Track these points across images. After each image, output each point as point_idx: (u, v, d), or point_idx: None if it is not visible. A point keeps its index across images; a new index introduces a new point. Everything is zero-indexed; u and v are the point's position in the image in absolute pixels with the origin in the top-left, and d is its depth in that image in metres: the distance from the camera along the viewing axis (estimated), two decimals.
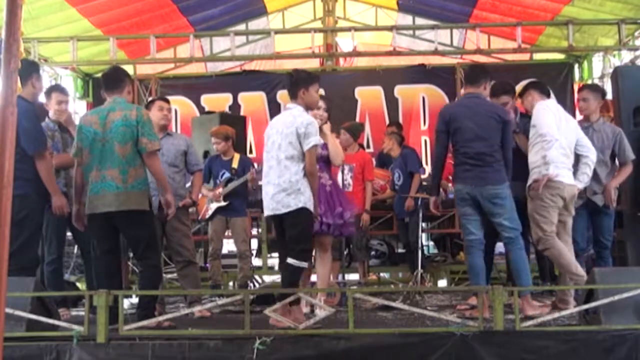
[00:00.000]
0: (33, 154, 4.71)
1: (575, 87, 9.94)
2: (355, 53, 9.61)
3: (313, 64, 10.79)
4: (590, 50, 9.43)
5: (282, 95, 10.21)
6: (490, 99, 5.19)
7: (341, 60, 10.71)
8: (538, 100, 5.14)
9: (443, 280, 8.38)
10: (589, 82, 9.40)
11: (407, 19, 10.38)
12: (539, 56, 10.40)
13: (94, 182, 4.46)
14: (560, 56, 10.18)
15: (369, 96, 10.16)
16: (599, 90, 5.69)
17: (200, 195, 6.20)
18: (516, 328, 4.00)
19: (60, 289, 5.13)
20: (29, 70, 4.94)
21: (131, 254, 5.82)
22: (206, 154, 7.55)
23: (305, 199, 4.44)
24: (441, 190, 7.09)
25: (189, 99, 10.18)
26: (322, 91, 9.51)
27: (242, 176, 6.41)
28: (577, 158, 5.04)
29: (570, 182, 4.92)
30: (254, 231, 8.33)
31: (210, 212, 6.46)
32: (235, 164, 6.52)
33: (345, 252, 6.84)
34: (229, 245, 7.74)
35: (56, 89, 5.82)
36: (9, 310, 3.58)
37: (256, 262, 8.26)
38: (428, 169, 9.60)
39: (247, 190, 6.56)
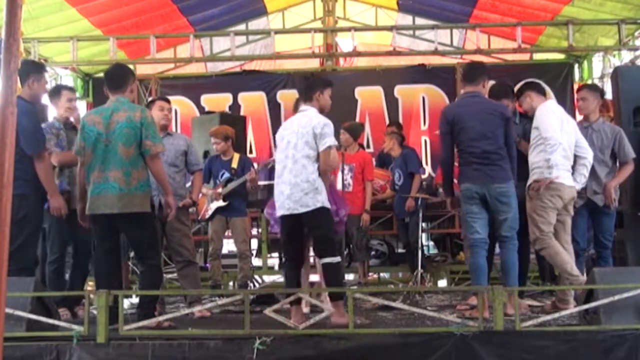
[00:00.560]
0: (32, 155, 4.71)
1: (575, 87, 9.94)
2: (355, 53, 9.60)
3: (313, 64, 10.80)
4: (590, 50, 9.43)
5: (282, 95, 10.23)
6: None
7: (341, 60, 10.71)
8: (536, 101, 5.14)
9: (443, 280, 8.38)
10: (589, 82, 9.40)
11: (407, 19, 10.37)
12: (539, 56, 10.40)
13: (96, 183, 4.46)
14: (560, 56, 10.18)
15: (369, 96, 10.17)
16: (597, 90, 5.70)
17: (200, 195, 6.20)
18: (516, 328, 4.00)
19: (62, 289, 5.13)
20: (27, 70, 4.93)
21: (131, 254, 5.85)
22: (206, 154, 7.55)
23: (322, 198, 4.55)
24: (440, 190, 7.11)
25: (189, 99, 10.18)
26: None
27: (241, 176, 6.41)
28: (575, 159, 5.06)
29: (570, 183, 4.95)
30: (254, 231, 8.33)
31: (210, 212, 6.46)
32: (234, 164, 6.52)
33: (345, 252, 6.84)
34: (229, 245, 7.74)
35: (65, 87, 5.86)
36: (9, 310, 3.58)
37: (256, 262, 8.26)
38: (428, 169, 9.63)
39: (246, 190, 6.55)
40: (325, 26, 10.27)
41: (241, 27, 10.26)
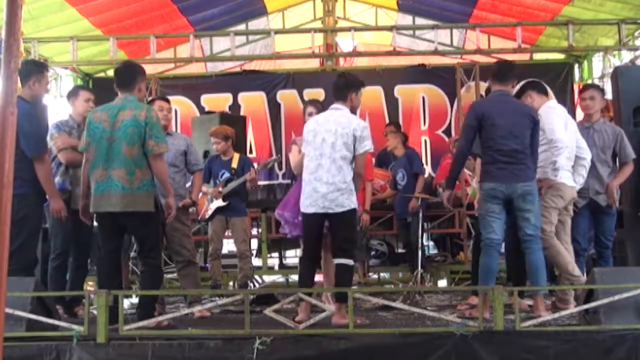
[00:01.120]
0: (32, 157, 4.71)
1: (576, 87, 9.94)
2: (355, 53, 9.60)
3: (313, 64, 10.80)
4: (590, 50, 9.43)
5: (282, 95, 10.22)
6: None
7: (341, 60, 10.70)
8: (537, 101, 5.13)
9: (443, 280, 8.38)
10: (589, 82, 9.40)
11: (407, 19, 10.37)
12: (539, 56, 10.40)
13: (99, 181, 4.46)
14: (560, 56, 10.18)
15: (368, 96, 10.09)
16: (602, 90, 5.73)
17: (200, 195, 6.20)
18: (516, 328, 4.01)
19: (62, 285, 5.13)
20: (29, 71, 4.94)
21: (131, 254, 5.85)
22: (206, 154, 7.55)
23: (355, 200, 4.65)
24: (440, 190, 7.10)
25: (189, 99, 10.18)
26: (323, 94, 9.61)
27: (241, 176, 6.41)
28: (574, 159, 5.08)
29: (571, 184, 4.98)
30: (254, 231, 8.33)
31: (210, 212, 6.46)
32: (234, 164, 6.52)
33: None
34: (229, 245, 7.74)
35: (83, 87, 5.89)
36: (9, 310, 3.58)
37: (256, 262, 8.26)
38: (428, 169, 9.61)
39: (246, 190, 6.55)
40: (325, 26, 10.26)
41: (241, 27, 10.26)
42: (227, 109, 9.88)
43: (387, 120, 9.75)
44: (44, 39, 8.36)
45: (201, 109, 10.00)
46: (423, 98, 10.17)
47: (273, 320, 4.20)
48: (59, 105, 8.92)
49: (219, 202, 6.41)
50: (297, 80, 10.22)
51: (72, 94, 5.57)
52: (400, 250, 8.45)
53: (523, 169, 4.74)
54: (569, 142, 4.97)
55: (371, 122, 9.98)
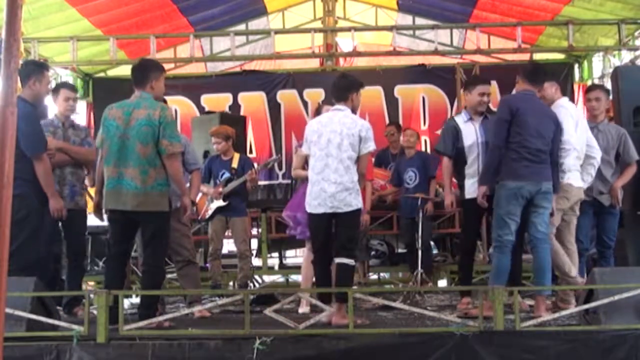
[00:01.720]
0: (32, 156, 4.71)
1: (576, 87, 9.95)
2: (355, 53, 9.60)
3: (313, 64, 10.79)
4: (590, 50, 9.43)
5: (282, 95, 10.22)
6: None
7: (341, 60, 10.70)
8: (548, 91, 5.05)
9: (443, 280, 8.38)
10: (589, 82, 9.40)
11: (407, 19, 10.36)
12: (539, 56, 10.37)
13: (111, 178, 4.46)
14: (560, 56, 10.17)
15: (368, 96, 10.09)
16: (607, 91, 5.70)
17: (200, 195, 6.19)
18: (516, 328, 4.01)
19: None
20: (28, 71, 4.94)
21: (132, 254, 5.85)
22: (206, 153, 7.54)
23: (361, 200, 4.71)
24: (440, 190, 7.07)
25: (189, 99, 10.18)
26: (323, 94, 9.61)
27: (242, 176, 6.40)
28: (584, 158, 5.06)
29: (578, 184, 4.96)
30: (254, 231, 8.32)
31: (210, 212, 6.45)
32: (235, 164, 6.52)
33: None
34: (229, 245, 7.74)
35: (64, 85, 5.84)
36: (9, 310, 3.58)
37: (256, 262, 8.26)
38: None
39: (247, 190, 6.55)
40: (325, 26, 10.26)
41: (241, 27, 10.25)
42: (227, 109, 9.88)
43: (387, 121, 9.75)
44: (44, 39, 8.36)
45: (201, 109, 10.00)
46: (423, 98, 10.17)
47: (273, 320, 4.20)
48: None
49: (219, 202, 6.40)
50: (297, 80, 10.22)
51: (54, 92, 5.50)
52: (400, 250, 8.44)
53: (546, 169, 4.76)
54: (579, 142, 4.95)
55: (371, 122, 9.83)
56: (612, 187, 5.33)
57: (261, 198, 9.67)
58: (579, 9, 8.44)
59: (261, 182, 9.76)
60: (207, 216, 6.50)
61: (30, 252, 4.78)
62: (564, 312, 4.41)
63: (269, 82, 10.24)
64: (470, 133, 5.36)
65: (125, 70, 10.10)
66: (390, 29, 9.56)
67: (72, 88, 5.79)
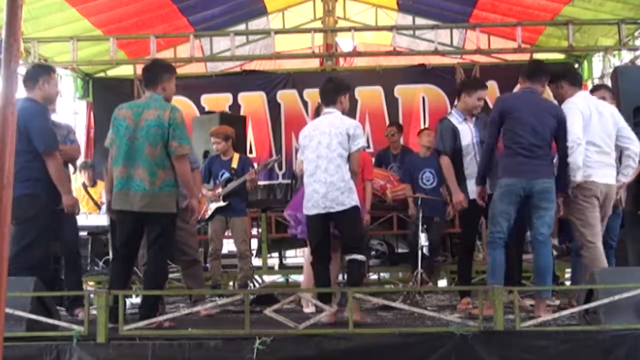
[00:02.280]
0: (44, 153, 4.77)
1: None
2: (355, 53, 9.60)
3: (313, 64, 10.79)
4: (590, 50, 9.42)
5: (282, 95, 10.22)
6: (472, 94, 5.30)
7: (341, 60, 10.70)
8: (569, 92, 4.98)
9: (443, 280, 8.38)
10: (589, 82, 9.40)
11: (407, 19, 10.36)
12: (539, 56, 10.30)
13: (119, 178, 4.47)
14: (560, 56, 10.16)
15: (369, 96, 10.15)
16: (612, 90, 5.68)
17: (200, 195, 6.19)
18: (516, 328, 4.01)
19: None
20: (37, 73, 5.03)
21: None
22: (206, 153, 7.54)
23: (355, 197, 4.71)
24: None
25: (189, 99, 10.16)
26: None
27: (241, 176, 6.40)
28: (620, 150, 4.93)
29: (604, 181, 4.80)
30: (254, 231, 8.32)
31: (209, 212, 6.45)
32: (234, 164, 6.52)
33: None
34: (229, 245, 7.74)
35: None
36: (9, 310, 3.58)
37: (256, 262, 8.25)
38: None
39: (246, 190, 6.55)
40: (325, 26, 10.25)
41: (241, 27, 10.25)
42: (227, 109, 9.87)
43: (387, 121, 9.75)
44: (44, 39, 8.36)
45: (201, 109, 9.99)
46: (423, 98, 10.16)
47: (273, 320, 4.20)
48: (58, 105, 8.90)
49: (219, 202, 6.40)
50: (297, 80, 10.21)
51: None
52: (400, 250, 8.44)
53: (543, 165, 4.70)
54: (598, 134, 4.80)
55: (371, 122, 10.04)
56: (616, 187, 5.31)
57: (261, 198, 9.66)
58: (579, 9, 8.43)
59: (261, 182, 9.75)
60: (206, 216, 6.50)
61: (38, 252, 4.80)
62: (564, 312, 4.41)
63: (269, 82, 10.23)
64: (467, 133, 5.41)
65: (125, 70, 10.14)
66: (390, 29, 9.55)
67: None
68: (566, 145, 4.77)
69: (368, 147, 9.57)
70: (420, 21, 10.13)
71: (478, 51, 8.77)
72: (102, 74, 10.24)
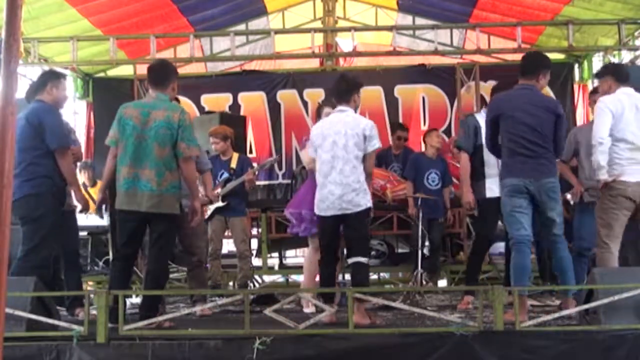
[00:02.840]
0: (56, 149, 4.82)
1: (576, 87, 9.94)
2: (355, 53, 9.60)
3: (313, 64, 10.79)
4: (590, 50, 9.42)
5: (282, 95, 10.21)
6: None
7: (341, 60, 10.69)
8: (613, 88, 4.82)
9: (443, 280, 8.38)
10: (589, 82, 9.40)
11: (407, 19, 10.36)
12: None
13: (126, 178, 4.46)
14: (560, 56, 10.16)
15: (368, 96, 10.06)
16: None
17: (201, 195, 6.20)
18: (516, 328, 4.01)
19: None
20: (45, 79, 5.10)
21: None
22: (206, 153, 7.53)
23: (370, 199, 4.72)
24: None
25: (189, 99, 10.14)
26: (323, 94, 9.59)
27: (240, 176, 6.40)
28: None
29: (637, 179, 4.64)
30: (254, 231, 8.32)
31: (209, 213, 6.45)
32: (233, 164, 6.53)
33: (345, 252, 6.84)
34: (229, 245, 7.74)
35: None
36: (9, 310, 3.58)
37: (256, 262, 8.26)
38: None
39: (245, 190, 6.54)
40: (325, 26, 10.25)
41: (241, 27, 10.24)
42: (227, 109, 9.87)
43: (387, 120, 9.76)
44: (44, 39, 8.36)
45: (201, 109, 9.98)
46: (423, 98, 10.16)
47: (273, 320, 4.20)
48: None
49: (218, 203, 6.40)
50: (297, 80, 10.21)
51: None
52: (401, 250, 8.44)
53: (545, 164, 4.59)
54: (632, 130, 4.66)
55: None
56: None
57: (261, 198, 9.66)
58: (579, 9, 8.43)
59: (261, 182, 9.75)
60: (206, 216, 6.50)
61: (45, 252, 4.82)
62: (563, 312, 4.40)
63: (269, 82, 10.22)
64: None
65: (125, 70, 10.13)
66: (390, 29, 9.55)
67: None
68: (562, 140, 4.73)
69: None
70: (420, 21, 10.12)
71: (478, 51, 8.76)
72: (102, 74, 10.23)
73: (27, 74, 8.33)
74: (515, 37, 8.48)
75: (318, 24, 10.38)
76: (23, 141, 4.74)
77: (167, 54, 9.61)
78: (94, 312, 4.22)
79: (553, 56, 10.13)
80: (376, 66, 10.25)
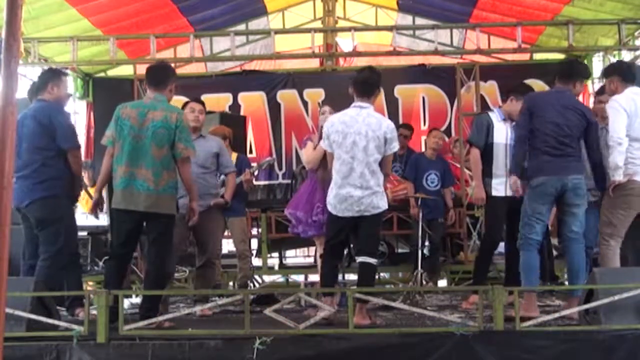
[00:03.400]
0: (68, 149, 4.85)
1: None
2: (355, 53, 9.60)
3: (313, 64, 10.79)
4: (590, 50, 9.42)
5: (282, 95, 10.21)
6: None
7: (341, 60, 10.70)
8: (620, 88, 4.85)
9: (443, 280, 8.38)
10: (589, 82, 9.38)
11: (407, 19, 10.36)
12: (539, 56, 10.38)
13: (122, 177, 4.47)
14: (560, 56, 10.15)
15: None
16: None
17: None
18: (516, 328, 4.01)
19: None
20: (46, 78, 5.10)
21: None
22: None
23: (386, 200, 4.72)
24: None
25: (189, 99, 10.15)
26: (323, 93, 9.59)
27: (239, 176, 6.39)
28: None
29: None
30: (254, 231, 8.33)
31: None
32: None
33: (345, 252, 6.83)
34: (228, 245, 7.74)
35: None
36: (9, 310, 3.58)
37: (256, 262, 8.26)
38: None
39: (244, 190, 6.53)
40: (325, 26, 10.25)
41: (241, 27, 10.24)
42: (227, 109, 9.87)
43: None
44: (44, 39, 8.35)
45: None
46: (423, 98, 10.16)
47: (273, 320, 4.20)
48: None
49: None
50: (297, 80, 10.21)
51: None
52: (400, 250, 8.44)
53: (572, 162, 4.64)
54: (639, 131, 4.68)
55: None
56: None
57: (261, 198, 9.66)
58: (579, 9, 8.43)
59: (261, 182, 9.76)
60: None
61: (73, 245, 4.97)
62: (564, 312, 4.41)
63: (269, 82, 10.22)
64: (502, 132, 5.41)
65: (125, 70, 10.13)
66: (390, 29, 9.55)
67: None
68: (598, 152, 4.74)
69: None
70: (420, 21, 10.12)
71: (478, 51, 8.76)
72: (102, 74, 10.23)
73: (27, 74, 8.32)
74: (515, 37, 8.48)
75: (318, 24, 10.38)
76: (32, 141, 4.76)
77: (167, 54, 9.61)
78: (94, 312, 4.22)
79: (553, 56, 10.19)
80: (376, 66, 10.22)
